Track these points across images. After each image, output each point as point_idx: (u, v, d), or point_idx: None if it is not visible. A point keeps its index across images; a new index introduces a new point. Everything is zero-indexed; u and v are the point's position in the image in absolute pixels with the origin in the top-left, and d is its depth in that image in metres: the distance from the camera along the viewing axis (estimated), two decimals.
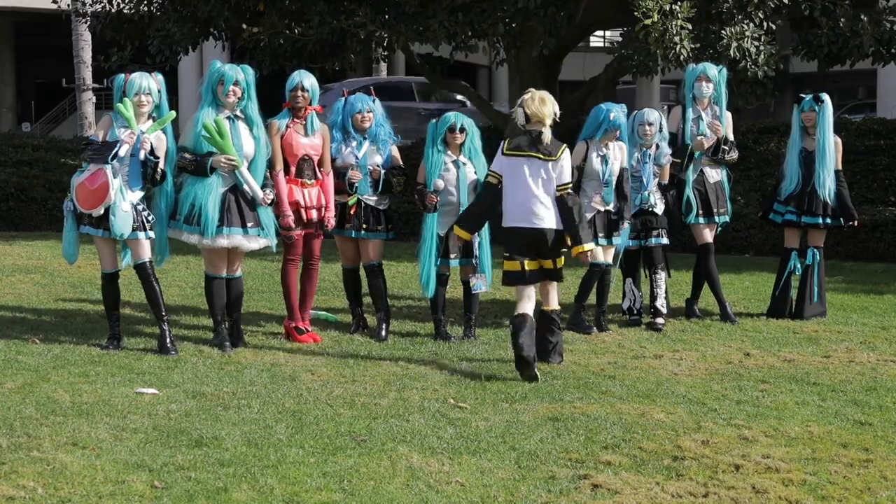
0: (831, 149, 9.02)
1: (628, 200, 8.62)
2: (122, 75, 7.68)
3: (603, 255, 8.68)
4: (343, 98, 8.50)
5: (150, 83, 7.59)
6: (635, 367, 7.52)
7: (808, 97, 9.10)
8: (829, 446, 5.70)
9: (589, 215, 8.51)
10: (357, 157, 8.29)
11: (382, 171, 8.30)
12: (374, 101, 8.45)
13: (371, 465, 5.30)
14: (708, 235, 9.19)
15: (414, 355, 7.77)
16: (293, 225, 8.05)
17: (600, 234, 8.60)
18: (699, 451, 5.57)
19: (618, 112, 8.54)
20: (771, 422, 6.15)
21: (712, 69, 9.19)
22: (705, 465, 5.39)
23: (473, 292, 8.38)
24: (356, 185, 8.26)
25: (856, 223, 9.46)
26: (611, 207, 8.59)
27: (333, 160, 8.29)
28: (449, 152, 8.25)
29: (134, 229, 7.56)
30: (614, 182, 8.58)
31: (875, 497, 4.99)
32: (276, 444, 5.58)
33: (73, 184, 7.57)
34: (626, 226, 8.65)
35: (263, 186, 7.76)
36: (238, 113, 7.75)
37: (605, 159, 8.54)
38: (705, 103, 9.14)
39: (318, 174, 8.15)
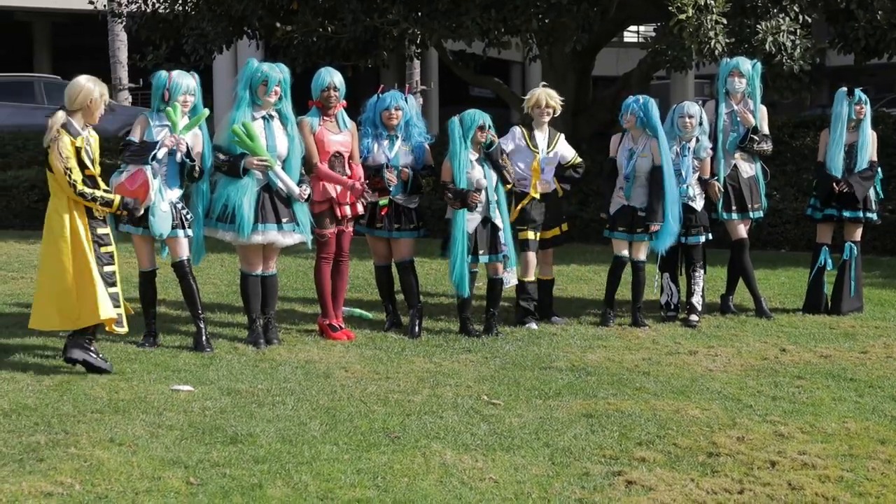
0: (871, 142, 9.06)
1: (658, 203, 8.49)
2: (162, 73, 7.68)
3: (627, 249, 8.69)
4: (377, 94, 8.51)
5: (191, 82, 7.64)
6: (670, 363, 7.49)
7: (859, 90, 9.08)
8: (866, 443, 5.65)
9: (614, 208, 8.61)
10: (388, 157, 8.30)
11: (411, 173, 8.31)
12: (405, 98, 8.46)
13: (405, 461, 5.30)
14: (742, 230, 9.13)
15: (447, 352, 7.78)
16: (354, 183, 8.02)
17: (620, 228, 8.64)
18: (734, 448, 5.54)
19: (635, 100, 8.65)
20: (807, 418, 6.10)
21: (745, 64, 9.11)
22: (741, 461, 5.36)
23: (507, 286, 8.41)
24: (392, 186, 8.26)
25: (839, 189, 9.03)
26: (635, 203, 8.57)
27: (365, 158, 8.31)
28: (472, 150, 8.24)
29: (173, 227, 7.61)
30: (641, 179, 8.56)
31: None
32: (310, 440, 5.60)
33: (111, 184, 7.61)
34: (655, 227, 8.56)
35: (299, 183, 7.78)
36: (273, 112, 7.78)
37: (631, 153, 8.54)
38: (738, 97, 9.09)
39: (349, 170, 8.16)
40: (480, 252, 8.23)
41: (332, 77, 8.09)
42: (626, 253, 8.73)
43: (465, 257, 8.15)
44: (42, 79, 21.51)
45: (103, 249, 7.04)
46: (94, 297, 6.87)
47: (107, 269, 7.03)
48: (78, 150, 6.94)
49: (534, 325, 8.64)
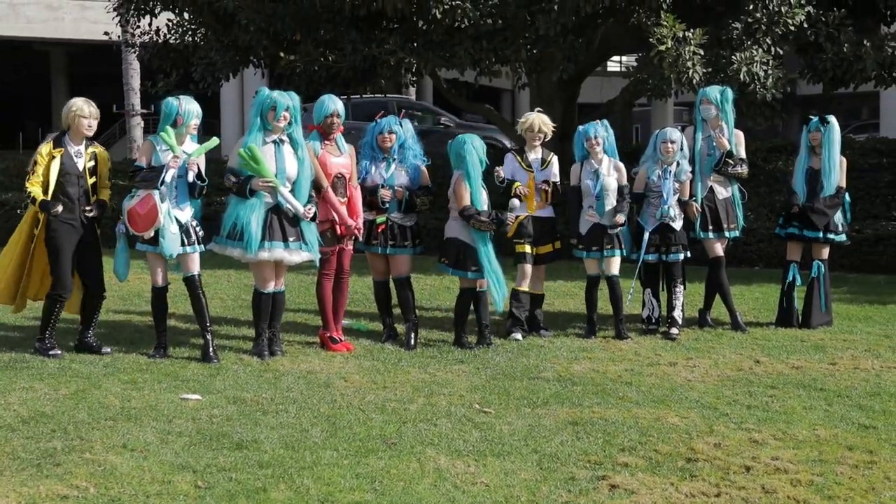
0: (837, 168, 8.99)
1: (622, 205, 8.62)
2: (172, 100, 7.73)
3: (597, 266, 8.73)
4: (376, 119, 8.54)
5: (198, 108, 7.72)
6: (651, 373, 7.49)
7: (815, 119, 9.08)
8: (835, 448, 5.66)
9: (584, 228, 8.62)
10: (384, 177, 8.33)
11: (406, 193, 8.34)
12: (400, 123, 8.49)
13: (401, 466, 5.30)
14: (719, 249, 9.14)
15: (441, 363, 7.77)
16: (350, 223, 8.09)
17: (594, 247, 8.67)
18: (711, 454, 5.55)
19: (598, 124, 8.77)
20: (780, 425, 6.11)
21: (713, 91, 9.16)
22: (717, 466, 5.36)
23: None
24: (387, 203, 8.30)
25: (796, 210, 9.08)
26: (605, 222, 8.60)
27: (363, 179, 8.34)
28: None
29: (189, 244, 7.65)
30: (610, 197, 8.60)
31: (879, 497, 4.95)
32: (311, 446, 5.59)
33: (124, 208, 7.67)
34: (620, 218, 8.59)
35: (306, 203, 7.77)
36: (283, 136, 7.78)
37: (596, 174, 8.59)
38: (714, 123, 9.12)
39: (348, 191, 8.18)
40: (473, 269, 8.21)
41: (334, 105, 8.11)
42: (598, 272, 8.77)
43: (501, 271, 8.16)
44: (394, 99, 21.24)
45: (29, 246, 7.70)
46: (21, 287, 7.78)
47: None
48: (52, 158, 7.53)
49: (519, 336, 8.63)
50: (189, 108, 7.64)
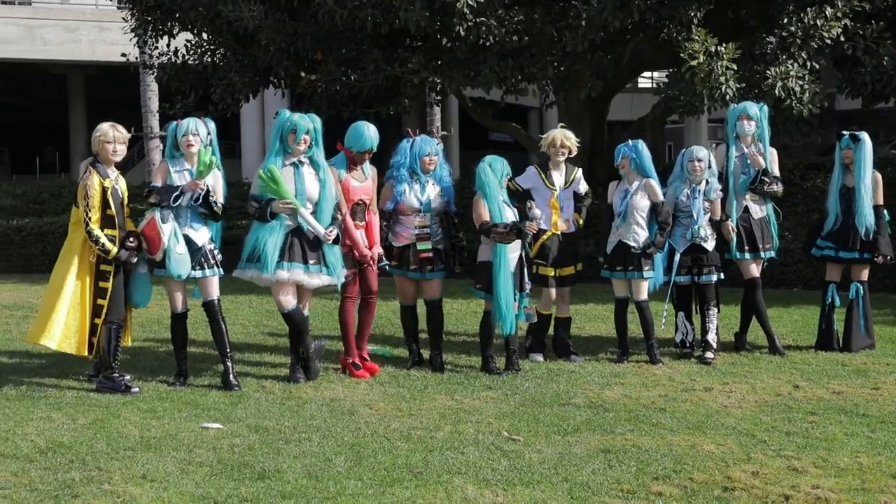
0: (869, 185, 8.95)
1: (663, 231, 8.64)
2: (173, 123, 7.86)
3: (625, 287, 8.73)
4: (410, 139, 8.58)
5: (196, 125, 7.77)
6: (686, 399, 7.47)
7: (846, 136, 9.07)
8: (878, 477, 5.62)
9: (610, 248, 8.72)
10: (420, 201, 8.37)
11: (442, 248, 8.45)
12: (438, 143, 8.58)
13: (427, 496, 5.30)
14: (755, 270, 9.12)
15: (468, 389, 7.78)
16: (366, 252, 8.16)
17: (618, 267, 8.69)
18: (749, 482, 5.52)
19: (625, 144, 8.80)
20: (820, 453, 6.07)
21: (753, 108, 9.15)
22: (755, 495, 5.33)
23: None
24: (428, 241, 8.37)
25: (882, 259, 9.16)
26: (631, 242, 8.61)
27: (398, 202, 8.37)
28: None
29: (208, 267, 7.73)
30: (636, 217, 8.61)
31: None
32: (335, 476, 5.61)
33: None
34: (653, 250, 8.62)
35: (329, 225, 7.82)
36: (303, 159, 7.84)
37: (626, 194, 8.61)
38: (749, 140, 9.11)
39: (366, 216, 8.25)
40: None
41: (371, 142, 8.13)
42: (625, 294, 8.76)
43: (512, 295, 8.17)
44: None
45: (101, 284, 7.53)
46: (52, 322, 7.41)
47: (98, 301, 7.52)
48: (105, 191, 7.46)
49: (539, 358, 8.74)
50: (182, 124, 7.76)
